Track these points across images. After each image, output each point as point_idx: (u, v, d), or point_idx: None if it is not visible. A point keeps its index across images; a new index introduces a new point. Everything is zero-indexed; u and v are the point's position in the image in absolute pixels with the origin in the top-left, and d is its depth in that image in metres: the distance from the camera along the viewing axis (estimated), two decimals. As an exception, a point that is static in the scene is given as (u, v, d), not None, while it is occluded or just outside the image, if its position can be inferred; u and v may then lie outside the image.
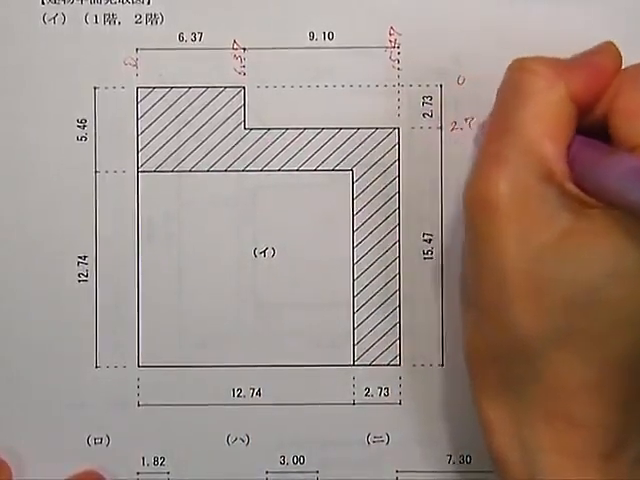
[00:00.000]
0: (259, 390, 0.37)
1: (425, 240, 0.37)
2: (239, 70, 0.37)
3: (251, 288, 0.37)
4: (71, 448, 0.37)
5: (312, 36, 0.37)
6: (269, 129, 0.37)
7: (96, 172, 0.37)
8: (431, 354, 0.37)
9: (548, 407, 0.30)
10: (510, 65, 0.33)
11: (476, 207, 0.30)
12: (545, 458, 0.30)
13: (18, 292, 0.37)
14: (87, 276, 0.37)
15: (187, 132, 0.37)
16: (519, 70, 0.32)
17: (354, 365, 0.37)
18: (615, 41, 0.37)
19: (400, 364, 0.37)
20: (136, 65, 0.37)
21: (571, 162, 0.31)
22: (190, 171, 0.37)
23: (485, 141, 0.32)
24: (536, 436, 0.30)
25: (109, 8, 0.37)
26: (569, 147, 0.31)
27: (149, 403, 0.37)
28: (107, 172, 0.37)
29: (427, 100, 0.37)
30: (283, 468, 0.37)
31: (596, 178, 0.30)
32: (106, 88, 0.37)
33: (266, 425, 0.37)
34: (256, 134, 0.37)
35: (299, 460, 0.37)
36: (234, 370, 0.37)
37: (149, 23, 0.37)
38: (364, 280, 0.37)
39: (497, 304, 0.30)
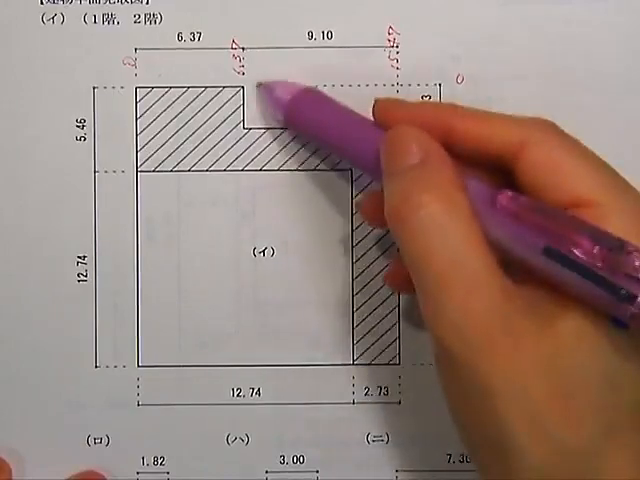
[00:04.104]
0: (259, 390, 0.37)
1: (424, 239, 0.37)
2: (238, 70, 0.37)
3: (251, 288, 0.37)
4: (71, 448, 0.37)
5: (311, 35, 0.37)
6: (268, 129, 0.37)
7: (95, 172, 0.37)
8: (431, 353, 0.37)
9: None
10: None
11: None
12: None
13: (18, 292, 0.37)
14: (87, 276, 0.37)
15: (186, 132, 0.37)
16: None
17: (354, 365, 0.37)
18: (615, 41, 0.37)
19: (400, 363, 0.37)
20: (135, 65, 0.37)
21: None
22: (189, 171, 0.37)
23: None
24: None
25: (108, 8, 0.37)
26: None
27: (149, 403, 0.37)
28: (106, 172, 0.37)
29: (426, 99, 0.37)
30: (283, 468, 0.37)
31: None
32: (105, 88, 0.37)
33: (266, 425, 0.37)
34: (255, 134, 0.37)
35: (299, 460, 0.37)
36: (234, 370, 0.37)
37: (148, 23, 0.37)
38: (364, 280, 0.37)
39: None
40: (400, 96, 0.37)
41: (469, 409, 0.28)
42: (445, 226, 0.28)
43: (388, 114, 0.33)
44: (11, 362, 0.37)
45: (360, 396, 0.37)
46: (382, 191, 0.30)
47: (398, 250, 0.33)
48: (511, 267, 0.29)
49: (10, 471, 0.37)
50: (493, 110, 0.37)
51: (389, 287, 0.36)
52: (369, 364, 0.37)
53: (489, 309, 0.27)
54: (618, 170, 0.37)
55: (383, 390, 0.37)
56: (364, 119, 0.34)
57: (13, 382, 0.37)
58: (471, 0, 0.37)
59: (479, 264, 0.28)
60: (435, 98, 0.37)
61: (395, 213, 0.29)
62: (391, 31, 0.37)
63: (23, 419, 0.37)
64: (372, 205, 0.34)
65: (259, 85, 0.37)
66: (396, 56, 0.37)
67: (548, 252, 0.27)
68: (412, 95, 0.37)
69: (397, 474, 0.38)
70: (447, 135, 0.31)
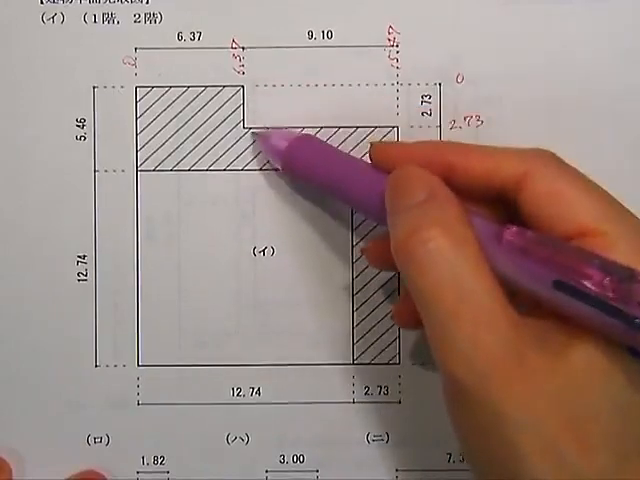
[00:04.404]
0: (259, 389, 0.37)
1: (424, 239, 0.37)
2: (238, 69, 0.37)
3: (250, 287, 0.37)
4: (71, 448, 0.37)
5: (311, 35, 0.37)
6: (268, 128, 0.37)
7: (95, 171, 0.37)
8: (430, 353, 0.37)
9: None
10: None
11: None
12: None
13: (18, 291, 0.37)
14: (86, 275, 0.37)
15: (186, 131, 0.37)
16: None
17: (354, 364, 0.37)
18: (615, 41, 0.37)
19: (399, 363, 0.37)
20: (135, 64, 0.37)
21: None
22: (189, 170, 0.37)
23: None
24: None
25: (108, 7, 0.37)
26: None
27: (149, 402, 0.37)
28: (106, 171, 0.37)
29: (426, 99, 0.37)
30: (283, 467, 0.37)
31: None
32: (105, 87, 0.37)
33: (266, 424, 0.37)
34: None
35: (299, 459, 0.37)
36: (233, 369, 0.37)
37: (148, 22, 0.37)
38: (363, 279, 0.37)
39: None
40: (399, 95, 0.37)
41: (482, 441, 0.28)
42: (453, 259, 0.28)
43: (385, 156, 0.33)
44: (11, 362, 0.37)
45: (360, 396, 0.37)
46: (386, 235, 0.30)
47: (399, 289, 0.34)
48: (518, 298, 0.29)
49: (10, 471, 0.37)
50: (493, 110, 0.37)
51: (398, 324, 0.36)
52: (369, 364, 0.37)
53: (499, 341, 0.27)
54: (618, 170, 0.37)
55: (383, 390, 0.37)
56: (361, 162, 0.34)
57: (13, 382, 0.37)
58: (471, 0, 0.37)
59: (488, 297, 0.28)
60: (435, 98, 0.37)
61: (402, 247, 0.29)
62: (391, 31, 0.37)
63: (23, 419, 0.37)
64: (377, 249, 0.35)
65: (255, 134, 0.37)
66: (396, 56, 0.37)
67: (558, 285, 0.27)
68: (411, 94, 0.37)
69: (397, 474, 0.37)
70: (447, 172, 0.31)
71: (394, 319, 0.36)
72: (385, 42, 0.37)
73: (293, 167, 0.35)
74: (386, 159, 0.33)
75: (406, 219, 0.29)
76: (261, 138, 0.37)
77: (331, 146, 0.36)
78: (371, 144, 0.33)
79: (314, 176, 0.35)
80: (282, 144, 0.35)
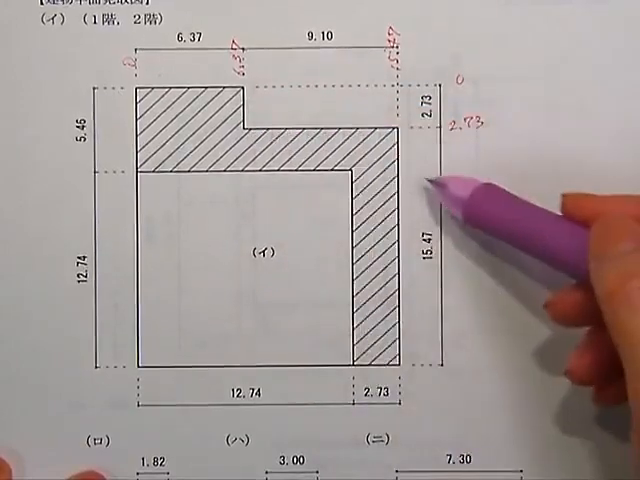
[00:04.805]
0: (259, 390, 0.37)
1: (424, 240, 0.37)
2: (238, 70, 0.37)
3: (250, 288, 0.37)
4: (71, 448, 0.37)
5: (311, 36, 0.37)
6: (268, 129, 0.37)
7: (95, 172, 0.37)
8: (431, 354, 0.37)
9: None
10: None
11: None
12: None
13: (17, 292, 0.37)
14: (86, 276, 0.37)
15: (186, 132, 0.37)
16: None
17: (354, 365, 0.37)
18: (615, 41, 0.37)
19: (399, 364, 0.37)
20: (135, 65, 0.37)
21: None
22: (189, 171, 0.37)
23: None
24: None
25: (108, 8, 0.37)
26: None
27: (149, 403, 0.37)
28: (106, 172, 0.37)
29: (426, 100, 0.37)
30: (283, 468, 0.37)
31: None
32: (105, 88, 0.37)
33: (266, 425, 0.37)
34: (255, 134, 0.37)
35: (299, 460, 0.37)
36: (234, 370, 0.37)
37: (148, 23, 0.37)
38: (364, 280, 0.37)
39: None
40: (399, 96, 0.37)
41: None
42: None
43: (579, 207, 0.33)
44: (11, 362, 0.37)
45: (360, 396, 0.37)
46: (571, 289, 0.32)
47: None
48: None
49: (10, 471, 0.37)
50: (493, 111, 0.37)
51: (572, 380, 0.34)
52: (369, 364, 0.37)
53: None
54: (618, 170, 0.37)
55: (383, 390, 0.37)
56: (549, 212, 0.34)
57: (13, 382, 0.37)
58: (471, 0, 0.37)
59: None
60: (435, 98, 0.37)
61: (614, 294, 0.29)
62: (391, 31, 0.37)
63: (23, 419, 0.37)
64: (563, 304, 0.34)
65: (431, 182, 0.36)
66: (396, 56, 0.37)
67: None
68: (411, 95, 0.37)
69: (397, 474, 0.37)
70: None
71: (568, 375, 0.34)
72: (385, 43, 0.37)
73: (477, 218, 0.35)
74: (580, 210, 0.33)
75: (616, 267, 0.30)
76: (437, 185, 0.36)
77: (514, 195, 0.35)
78: (563, 195, 0.34)
79: (500, 228, 0.34)
80: (463, 193, 0.35)
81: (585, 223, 0.33)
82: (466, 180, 0.36)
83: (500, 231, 0.34)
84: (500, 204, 0.34)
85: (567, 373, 0.34)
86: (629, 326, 0.29)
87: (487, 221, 0.35)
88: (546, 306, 0.34)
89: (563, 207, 0.34)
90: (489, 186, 0.35)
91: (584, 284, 0.32)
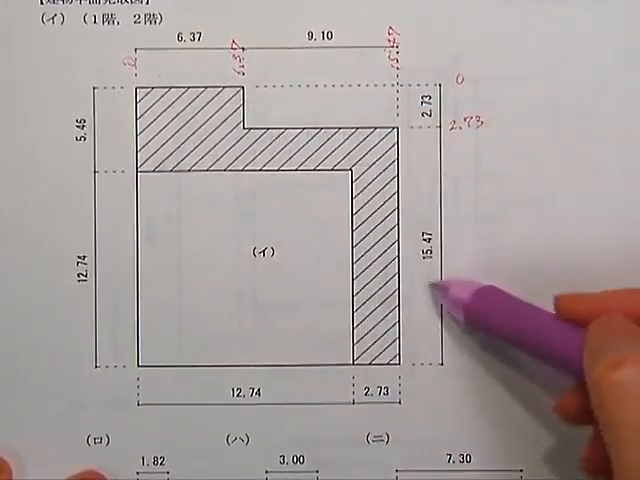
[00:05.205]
0: (259, 390, 0.37)
1: (424, 239, 0.37)
2: (238, 70, 0.37)
3: (250, 288, 0.37)
4: (71, 448, 0.37)
5: (311, 36, 0.37)
6: (268, 129, 0.37)
7: (95, 172, 0.37)
8: (430, 353, 0.37)
9: None
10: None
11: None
12: None
13: (17, 292, 0.37)
14: (86, 276, 0.37)
15: (186, 132, 0.37)
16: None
17: (354, 365, 0.37)
18: (615, 41, 0.37)
19: (399, 363, 0.37)
20: (135, 65, 0.37)
21: None
22: (189, 171, 0.37)
23: None
24: None
25: (108, 8, 0.37)
26: None
27: (149, 403, 0.37)
28: (106, 172, 0.37)
29: (426, 99, 0.37)
30: (283, 468, 0.37)
31: None
32: (105, 88, 0.37)
33: (266, 425, 0.37)
34: (255, 134, 0.37)
35: (299, 460, 0.37)
36: (234, 370, 0.37)
37: (148, 23, 0.37)
38: (363, 280, 0.37)
39: None
40: (399, 96, 0.37)
41: None
42: None
43: (573, 308, 0.33)
44: (11, 362, 0.37)
45: (360, 396, 0.37)
46: (574, 390, 0.32)
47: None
48: None
49: (10, 471, 0.37)
50: (493, 110, 0.37)
51: (585, 473, 0.34)
52: (369, 364, 0.37)
53: None
54: (618, 170, 0.37)
55: (383, 390, 0.37)
56: (547, 313, 0.34)
57: (13, 382, 0.37)
58: (471, 0, 0.37)
59: None
60: (435, 98, 0.37)
61: (603, 380, 0.29)
62: (391, 31, 0.37)
63: (23, 419, 0.37)
64: (569, 405, 0.34)
65: (433, 285, 0.37)
66: (396, 56, 0.37)
67: None
68: (411, 95, 0.37)
69: (397, 474, 0.37)
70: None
71: (581, 468, 0.34)
72: (385, 43, 0.37)
73: (477, 320, 0.35)
74: (574, 311, 0.33)
75: (607, 359, 0.29)
76: (439, 288, 0.37)
77: (513, 296, 0.35)
78: (556, 297, 0.33)
79: (500, 329, 0.35)
80: (464, 296, 0.35)
81: (581, 323, 0.33)
82: (466, 283, 0.36)
83: (499, 332, 0.35)
84: (499, 306, 0.35)
85: (580, 467, 0.34)
86: (615, 418, 0.28)
87: (487, 323, 0.35)
88: (554, 410, 0.34)
89: (556, 310, 0.33)
90: (489, 289, 0.36)
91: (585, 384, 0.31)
